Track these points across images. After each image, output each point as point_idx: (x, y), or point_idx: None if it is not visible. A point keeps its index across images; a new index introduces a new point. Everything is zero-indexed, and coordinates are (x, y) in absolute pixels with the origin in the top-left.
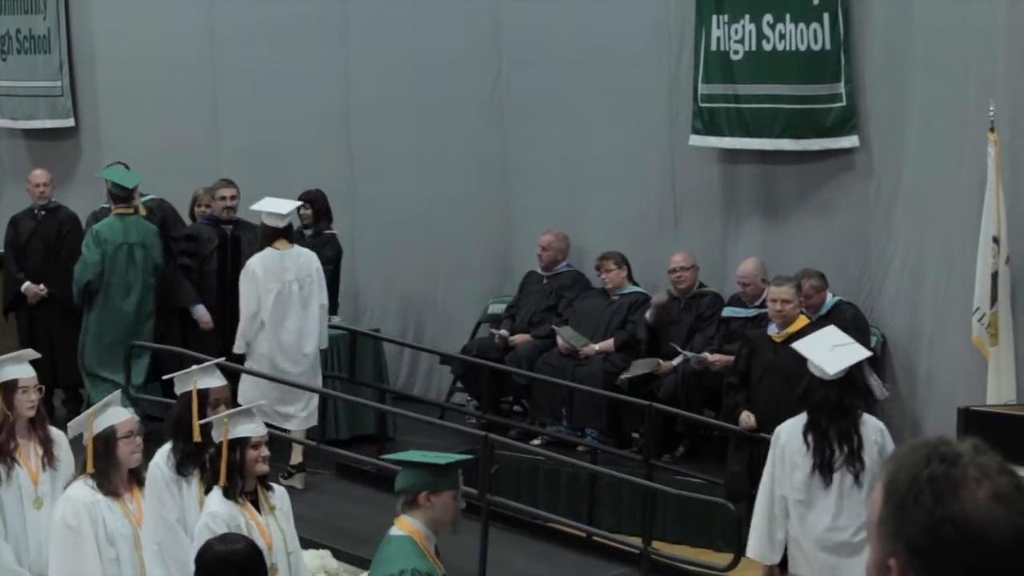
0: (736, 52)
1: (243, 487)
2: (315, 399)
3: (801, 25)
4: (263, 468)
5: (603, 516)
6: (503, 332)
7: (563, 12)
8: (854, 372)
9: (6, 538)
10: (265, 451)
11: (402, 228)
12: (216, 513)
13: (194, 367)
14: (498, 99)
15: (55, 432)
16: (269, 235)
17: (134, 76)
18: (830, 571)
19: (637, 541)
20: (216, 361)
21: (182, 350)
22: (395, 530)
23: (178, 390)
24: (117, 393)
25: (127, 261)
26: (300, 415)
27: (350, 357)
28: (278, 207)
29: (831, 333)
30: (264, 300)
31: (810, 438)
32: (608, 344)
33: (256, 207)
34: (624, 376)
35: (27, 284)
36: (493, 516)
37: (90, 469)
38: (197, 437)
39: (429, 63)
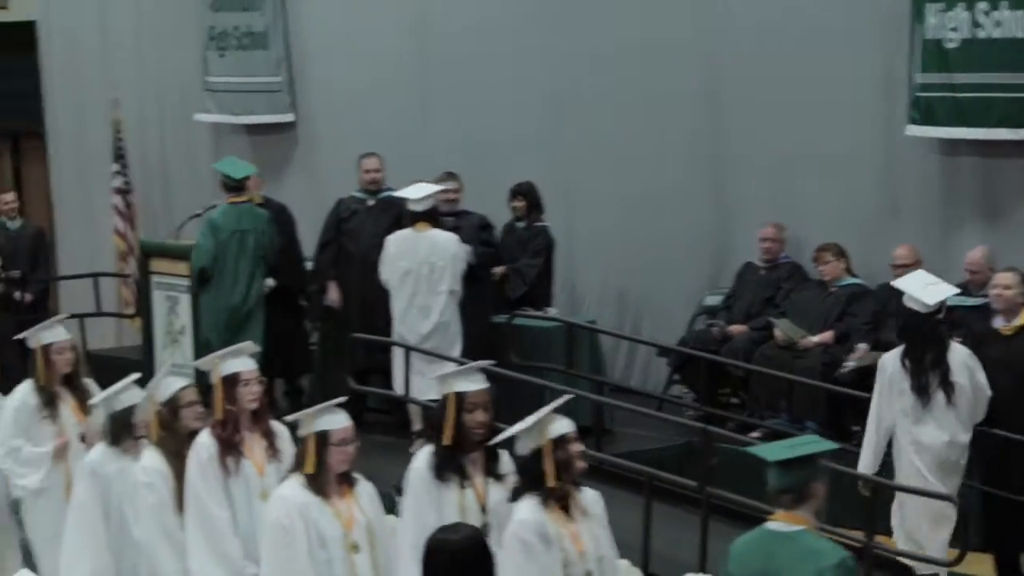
0: (951, 41)
1: (558, 491)
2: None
3: (1018, 12)
4: (583, 465)
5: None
6: (720, 324)
7: (779, 2)
8: (943, 308)
9: (235, 532)
10: (579, 446)
11: (618, 219)
12: (526, 521)
13: (454, 368)
14: (712, 89)
15: (277, 425)
16: (410, 217)
17: (347, 69)
18: (928, 479)
19: (859, 535)
20: (480, 364)
21: (386, 340)
22: (783, 526)
23: (438, 392)
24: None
25: (238, 248)
26: None
27: (567, 349)
28: (417, 192)
29: (923, 274)
30: (391, 277)
31: (908, 364)
32: (827, 336)
33: (400, 193)
34: (848, 365)
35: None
36: (713, 509)
37: (309, 470)
38: (448, 440)
39: (643, 53)
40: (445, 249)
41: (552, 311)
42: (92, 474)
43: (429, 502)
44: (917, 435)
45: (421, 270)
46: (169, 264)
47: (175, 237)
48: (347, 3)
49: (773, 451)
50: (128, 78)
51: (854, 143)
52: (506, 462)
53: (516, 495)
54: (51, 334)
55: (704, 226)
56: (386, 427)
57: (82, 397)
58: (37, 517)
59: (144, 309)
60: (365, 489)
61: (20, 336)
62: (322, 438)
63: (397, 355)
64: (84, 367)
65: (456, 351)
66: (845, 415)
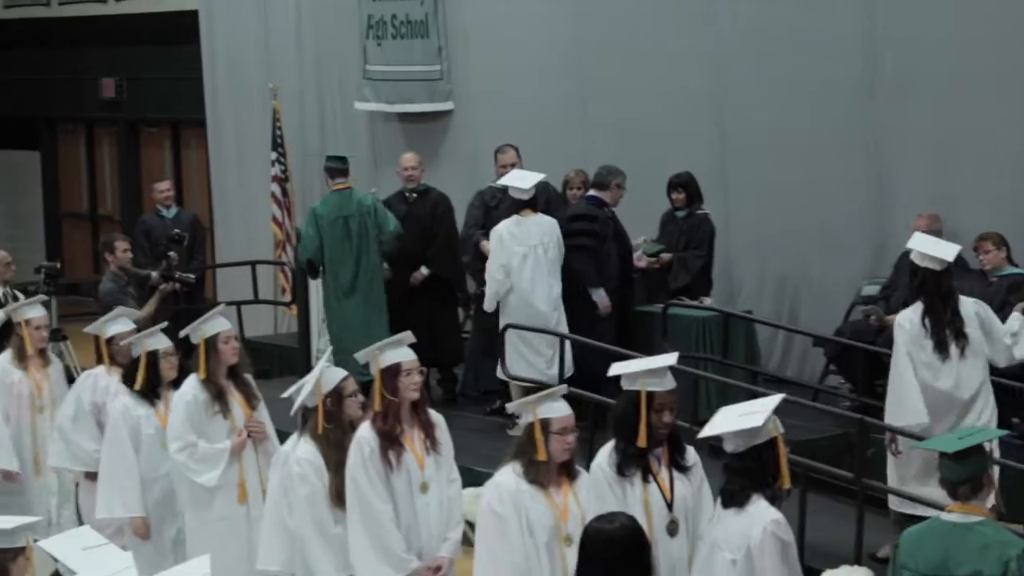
0: None
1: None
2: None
3: None
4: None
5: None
6: (877, 312)
7: None
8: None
9: (398, 525)
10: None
11: (774, 208)
12: (779, 520)
13: (640, 366)
14: (869, 78)
15: (435, 415)
16: (515, 205)
17: (505, 58)
18: (950, 422)
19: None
20: (667, 361)
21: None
22: (960, 517)
23: (624, 387)
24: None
25: (343, 234)
26: None
27: (723, 338)
28: (523, 181)
29: (927, 236)
30: (511, 262)
31: (927, 322)
32: None
33: (503, 181)
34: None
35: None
36: (868, 500)
37: (541, 457)
38: (643, 442)
39: (802, 44)
40: (553, 230)
41: (708, 300)
42: (286, 464)
43: (614, 500)
44: (933, 387)
45: (537, 252)
46: None
47: None
48: None
49: (946, 443)
50: (287, 67)
51: (1013, 131)
52: (691, 454)
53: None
54: (215, 324)
55: (862, 215)
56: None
57: (247, 390)
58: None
59: (300, 297)
60: (585, 482)
61: (182, 334)
62: (544, 426)
63: (511, 337)
64: (245, 360)
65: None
66: (1004, 405)
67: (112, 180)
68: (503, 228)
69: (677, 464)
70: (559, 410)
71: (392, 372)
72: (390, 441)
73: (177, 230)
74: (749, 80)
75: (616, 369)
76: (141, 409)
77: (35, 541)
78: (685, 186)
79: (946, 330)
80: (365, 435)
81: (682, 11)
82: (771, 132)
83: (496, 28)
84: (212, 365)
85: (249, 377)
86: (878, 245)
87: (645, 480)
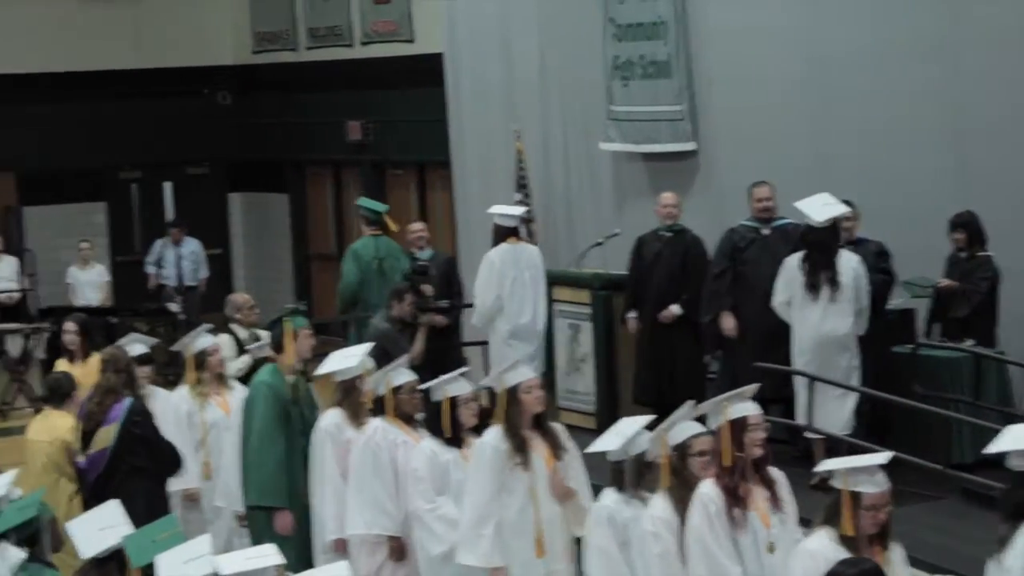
0: None
1: None
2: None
3: None
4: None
5: None
6: None
7: None
8: (837, 224)
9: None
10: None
11: None
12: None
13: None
14: None
15: (776, 472)
16: (502, 233)
17: (747, 97)
18: (821, 359)
19: None
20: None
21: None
22: None
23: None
24: None
25: (378, 273)
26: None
27: (975, 379)
28: (509, 210)
29: (824, 196)
30: (503, 285)
31: (805, 266)
32: None
33: (491, 210)
34: None
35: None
36: None
37: (847, 531)
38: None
39: None
40: (535, 257)
41: (969, 342)
42: (609, 521)
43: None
44: (803, 322)
45: (524, 276)
46: (571, 292)
47: (577, 265)
48: (746, 32)
49: None
50: (531, 108)
51: None
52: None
53: None
54: (518, 374)
55: None
56: (783, 457)
57: (554, 440)
58: None
59: (547, 337)
60: (898, 554)
61: (423, 387)
62: (855, 499)
63: (799, 384)
64: (552, 408)
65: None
66: None
67: (359, 222)
68: (494, 255)
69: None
70: (875, 484)
71: (739, 426)
72: (734, 499)
73: (421, 262)
74: (991, 117)
75: (826, 466)
76: (448, 454)
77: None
78: (966, 226)
79: (817, 274)
80: (709, 492)
81: (920, 49)
82: (1020, 170)
83: (737, 68)
84: (513, 415)
85: (558, 426)
86: None
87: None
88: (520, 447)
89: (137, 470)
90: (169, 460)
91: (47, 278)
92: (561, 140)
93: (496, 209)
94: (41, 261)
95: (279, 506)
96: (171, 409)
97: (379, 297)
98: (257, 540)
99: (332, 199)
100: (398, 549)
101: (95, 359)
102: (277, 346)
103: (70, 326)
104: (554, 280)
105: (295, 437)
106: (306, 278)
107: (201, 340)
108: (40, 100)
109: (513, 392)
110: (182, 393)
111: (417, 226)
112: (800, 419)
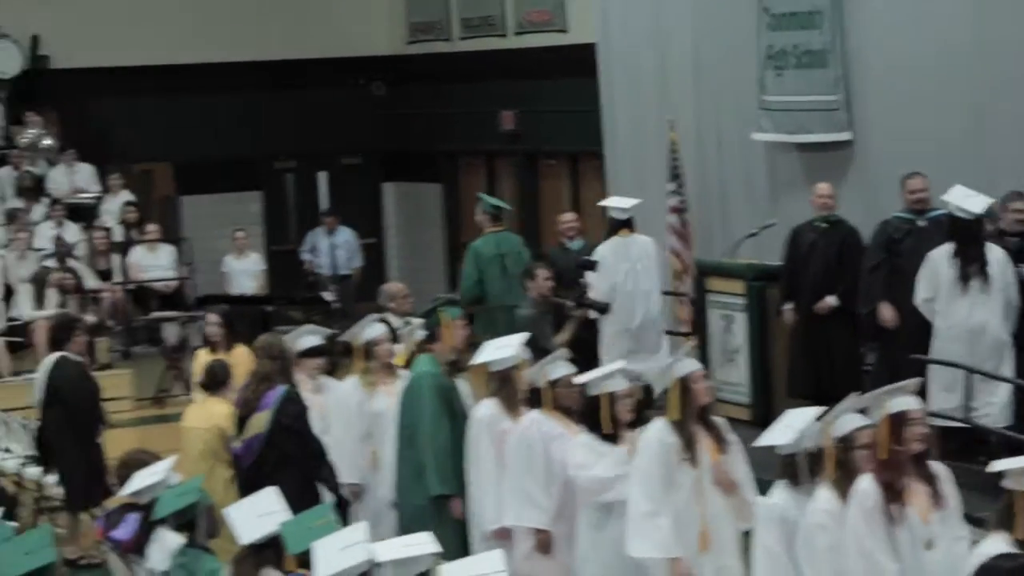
0: None
1: None
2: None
3: None
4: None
5: None
6: None
7: None
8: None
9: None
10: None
11: None
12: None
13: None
14: None
15: (938, 466)
16: (615, 225)
17: (905, 87)
18: (971, 352)
19: None
20: None
21: None
22: None
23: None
24: None
25: (500, 269)
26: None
27: None
28: (622, 203)
29: (962, 188)
30: (615, 279)
31: (955, 259)
32: None
33: (603, 203)
34: None
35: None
36: None
37: (1022, 535)
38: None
39: None
40: (648, 248)
41: None
42: (780, 520)
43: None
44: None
45: (636, 267)
46: (725, 283)
47: (731, 256)
48: (905, 20)
49: None
50: (684, 98)
51: None
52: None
53: None
54: (687, 364)
55: None
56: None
57: (717, 433)
58: None
59: (700, 327)
60: None
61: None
62: None
63: (946, 376)
64: (714, 401)
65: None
66: None
67: (511, 212)
68: (605, 249)
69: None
70: None
71: (899, 421)
72: (893, 494)
73: (587, 256)
74: None
75: (999, 465)
76: (603, 447)
77: None
78: None
79: (968, 266)
80: (866, 488)
81: None
82: None
83: (895, 57)
84: (684, 405)
85: (720, 420)
86: None
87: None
88: (688, 441)
89: (287, 458)
90: (312, 454)
91: (203, 267)
92: (714, 130)
93: (609, 202)
94: (197, 250)
95: (454, 493)
96: (342, 399)
97: (502, 292)
98: (419, 528)
99: (485, 189)
100: (545, 542)
101: (239, 350)
102: (432, 336)
103: (212, 318)
104: (707, 270)
105: (459, 425)
106: (458, 268)
107: (370, 330)
108: (198, 91)
109: (684, 383)
110: (352, 382)
111: (568, 216)
112: (955, 413)
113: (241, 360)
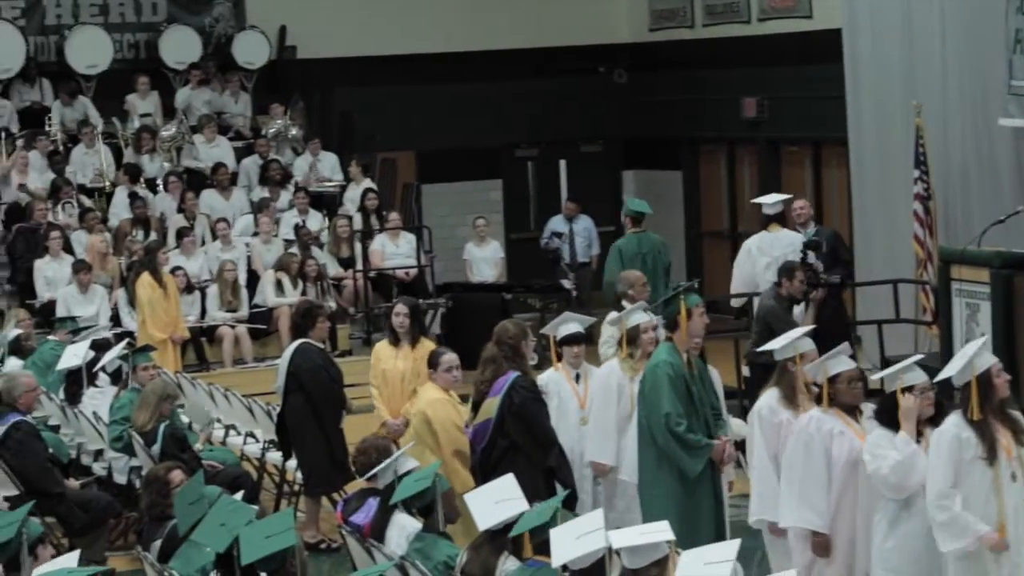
0: None
1: None
2: None
3: None
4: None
5: None
6: None
7: None
8: None
9: None
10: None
11: None
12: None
13: None
14: None
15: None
16: (764, 220)
17: None
18: None
19: None
20: None
21: None
22: None
23: None
24: None
25: (641, 268)
26: None
27: None
28: (772, 199)
29: None
30: (758, 271)
31: None
32: None
33: (755, 200)
34: None
35: None
36: None
37: None
38: None
39: None
40: (795, 243)
41: None
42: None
43: None
44: None
45: (780, 262)
46: (970, 271)
47: (976, 244)
48: None
49: None
50: (931, 83)
51: None
52: None
53: None
54: (985, 359)
55: None
56: None
57: (1015, 427)
58: None
59: (943, 316)
60: None
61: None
62: None
63: None
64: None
65: None
66: None
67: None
68: (752, 242)
69: None
70: None
71: (985, 379)
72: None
73: (813, 237)
74: None
75: None
76: (899, 441)
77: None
78: None
79: None
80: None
81: None
82: None
83: None
84: (985, 398)
85: (1017, 413)
86: None
87: None
88: (987, 438)
89: (515, 446)
90: (540, 443)
91: (443, 255)
92: (959, 116)
93: (761, 199)
94: (437, 238)
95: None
96: (602, 384)
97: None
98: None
99: (726, 177)
100: (823, 545)
101: (425, 345)
102: (672, 324)
103: (401, 308)
104: (951, 258)
105: (698, 414)
106: (698, 256)
107: (636, 316)
108: (440, 80)
109: (986, 377)
110: (612, 366)
111: (800, 203)
112: None
113: (420, 356)
